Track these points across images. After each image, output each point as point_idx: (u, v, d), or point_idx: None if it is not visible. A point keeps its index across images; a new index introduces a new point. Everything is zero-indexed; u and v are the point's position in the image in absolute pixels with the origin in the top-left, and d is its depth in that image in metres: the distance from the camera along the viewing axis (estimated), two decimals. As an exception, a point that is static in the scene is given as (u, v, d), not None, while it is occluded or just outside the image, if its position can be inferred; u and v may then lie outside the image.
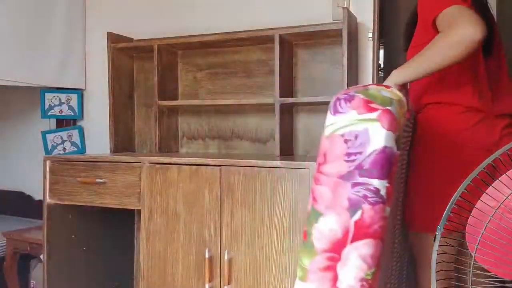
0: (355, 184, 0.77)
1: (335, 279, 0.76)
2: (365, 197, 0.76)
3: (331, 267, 0.77)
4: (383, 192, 0.77)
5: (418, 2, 1.43)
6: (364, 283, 0.76)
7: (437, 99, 1.44)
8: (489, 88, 1.45)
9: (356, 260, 0.76)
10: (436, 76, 1.42)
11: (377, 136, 0.77)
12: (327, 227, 0.77)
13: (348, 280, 0.76)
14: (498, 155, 1.07)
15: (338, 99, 0.82)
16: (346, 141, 0.78)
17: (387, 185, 0.77)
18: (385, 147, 0.76)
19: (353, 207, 0.76)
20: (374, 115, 0.78)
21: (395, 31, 2.92)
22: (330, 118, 0.81)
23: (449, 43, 1.22)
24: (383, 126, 0.77)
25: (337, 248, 0.77)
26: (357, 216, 0.76)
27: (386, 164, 0.77)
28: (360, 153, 0.77)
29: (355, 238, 0.76)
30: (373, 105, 0.79)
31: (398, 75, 1.31)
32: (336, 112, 0.81)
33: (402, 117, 0.83)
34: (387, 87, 0.89)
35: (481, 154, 1.24)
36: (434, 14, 1.31)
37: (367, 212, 0.76)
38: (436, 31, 1.32)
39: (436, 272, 1.14)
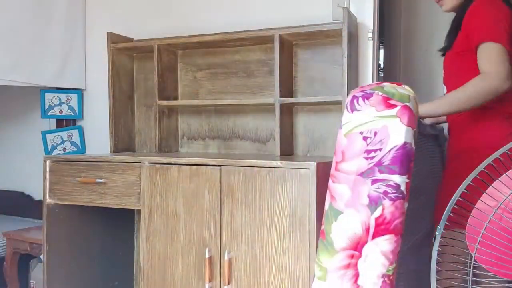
0: (375, 181, 0.77)
1: (356, 276, 0.76)
2: (385, 193, 0.76)
3: (352, 265, 0.76)
4: (403, 187, 0.76)
5: (469, 15, 1.52)
6: (386, 279, 0.76)
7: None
8: None
9: (378, 257, 0.75)
10: None
11: (397, 132, 0.77)
12: (347, 225, 0.77)
13: (371, 277, 0.75)
14: (498, 155, 1.07)
15: (355, 96, 0.81)
16: (365, 139, 0.78)
17: (407, 180, 0.77)
18: (405, 143, 0.77)
19: (374, 203, 0.76)
20: (393, 111, 0.78)
21: (395, 31, 2.92)
22: (347, 116, 0.80)
23: (478, 93, 1.41)
24: (403, 122, 0.77)
25: (357, 246, 0.77)
26: (377, 212, 0.76)
27: (406, 160, 0.77)
28: (380, 149, 0.77)
29: (376, 235, 0.76)
30: (392, 102, 0.79)
31: (427, 110, 1.47)
32: (353, 109, 0.80)
33: (417, 114, 0.83)
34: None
35: None
36: (480, 40, 1.45)
37: (388, 208, 0.76)
38: (474, 53, 1.47)
39: (436, 272, 1.14)
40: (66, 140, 2.69)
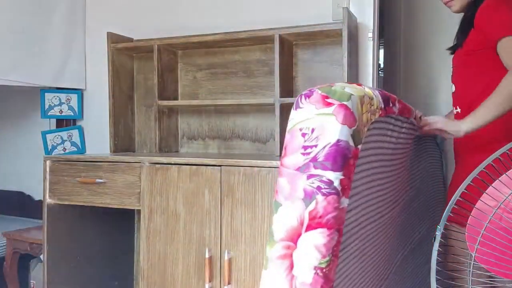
0: (310, 176, 0.79)
1: (291, 266, 0.79)
2: (318, 188, 0.78)
3: (288, 255, 0.79)
4: (336, 184, 0.79)
5: (483, 12, 1.49)
6: (318, 271, 0.78)
7: None
8: None
9: (310, 249, 0.78)
10: (490, 82, 1.48)
11: (331, 130, 0.79)
12: (285, 217, 0.80)
13: (303, 268, 0.78)
14: (498, 155, 1.07)
15: (301, 95, 0.86)
16: (303, 135, 0.81)
17: (342, 177, 0.79)
18: (339, 140, 0.79)
19: (308, 197, 0.79)
20: (330, 109, 0.80)
21: (395, 31, 2.91)
22: (292, 113, 0.85)
23: None
24: (338, 120, 0.80)
25: (293, 237, 0.79)
26: (311, 206, 0.78)
27: (340, 157, 0.79)
28: (315, 146, 0.80)
29: (309, 228, 0.78)
30: (329, 100, 0.82)
31: (469, 125, 1.41)
32: (297, 107, 0.84)
33: (366, 113, 0.85)
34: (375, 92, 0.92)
35: None
36: (500, 35, 1.41)
37: (321, 203, 0.78)
38: (495, 50, 1.44)
39: (436, 272, 1.14)
40: (66, 140, 2.69)
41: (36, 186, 2.80)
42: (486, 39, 1.48)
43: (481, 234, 1.06)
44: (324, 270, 0.78)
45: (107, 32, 2.36)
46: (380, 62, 3.01)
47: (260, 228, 1.59)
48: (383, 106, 0.94)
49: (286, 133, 0.85)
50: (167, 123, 2.31)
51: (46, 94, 2.64)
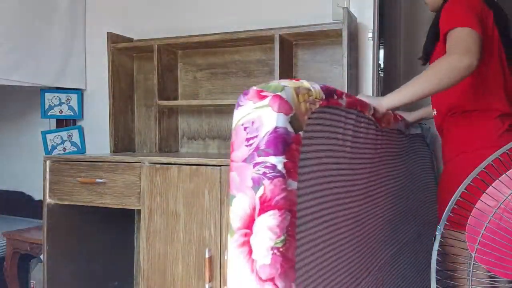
0: (256, 164, 0.86)
1: (250, 252, 0.84)
2: (264, 174, 0.85)
3: (246, 242, 0.85)
4: (280, 167, 0.85)
5: (442, 14, 1.48)
6: (276, 251, 0.83)
7: (473, 106, 1.47)
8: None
9: (264, 231, 0.84)
10: (469, 84, 1.46)
11: (269, 119, 0.86)
12: (239, 207, 0.86)
13: (260, 250, 0.83)
14: (498, 155, 1.07)
15: (240, 95, 0.93)
16: (245, 129, 0.89)
17: (285, 160, 0.86)
18: (276, 127, 0.85)
19: (256, 184, 0.85)
20: (265, 101, 0.88)
21: (395, 31, 2.91)
22: (234, 113, 0.92)
23: (447, 69, 1.30)
24: (273, 109, 0.86)
25: (248, 224, 0.85)
26: (260, 192, 0.84)
27: (280, 142, 0.85)
28: (256, 136, 0.87)
29: (261, 212, 0.84)
30: (264, 93, 0.89)
31: (390, 102, 1.35)
32: (238, 106, 0.92)
33: (304, 103, 0.92)
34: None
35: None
36: (448, 28, 1.40)
37: (268, 186, 0.84)
38: (445, 43, 1.39)
39: (436, 272, 1.14)
40: (66, 140, 2.69)
41: (36, 186, 2.80)
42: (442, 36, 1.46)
43: (481, 234, 1.06)
44: (280, 249, 0.83)
45: (107, 32, 2.36)
46: (380, 62, 3.02)
47: (260, 228, 1.58)
48: (324, 97, 1.01)
49: (232, 132, 0.91)
50: (167, 123, 2.31)
51: (46, 94, 2.64)
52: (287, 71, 2.08)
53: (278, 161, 0.85)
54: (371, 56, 2.04)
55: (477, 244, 1.07)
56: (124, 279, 2.41)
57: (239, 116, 0.91)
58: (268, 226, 0.83)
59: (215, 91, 2.31)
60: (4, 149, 3.20)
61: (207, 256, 1.65)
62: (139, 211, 1.84)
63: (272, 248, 0.83)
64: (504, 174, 1.06)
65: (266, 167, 0.85)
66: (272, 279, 0.82)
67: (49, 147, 2.66)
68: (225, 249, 1.64)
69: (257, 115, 0.88)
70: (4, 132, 3.20)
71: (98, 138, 2.66)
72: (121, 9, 2.60)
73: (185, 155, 1.99)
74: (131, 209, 2.30)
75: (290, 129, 0.88)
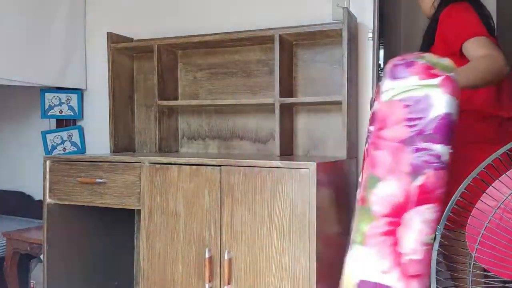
0: (418, 150, 0.76)
1: (395, 243, 0.76)
2: (428, 162, 0.76)
3: (391, 232, 0.76)
4: (445, 158, 0.77)
5: (442, 25, 1.58)
6: (426, 247, 0.76)
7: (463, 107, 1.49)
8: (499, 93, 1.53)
9: (419, 225, 0.76)
10: None
11: (440, 102, 0.76)
12: (387, 192, 0.77)
13: (411, 244, 0.75)
14: (498, 155, 1.07)
15: (396, 65, 0.82)
16: (406, 106, 0.78)
17: (450, 151, 0.77)
18: (447, 113, 0.77)
19: (416, 172, 0.76)
20: (436, 81, 0.77)
21: (395, 31, 2.92)
22: (388, 83, 0.81)
23: (492, 68, 1.34)
24: (446, 92, 0.77)
25: (397, 213, 0.76)
26: (419, 181, 0.76)
27: (448, 130, 0.77)
28: (421, 118, 0.77)
29: (418, 203, 0.76)
30: (434, 71, 0.79)
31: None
32: (394, 77, 0.81)
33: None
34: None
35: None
36: (463, 39, 1.47)
37: (430, 177, 0.76)
38: (461, 54, 1.46)
39: (436, 272, 1.14)
40: (66, 140, 2.69)
41: (36, 186, 2.80)
42: (449, 46, 1.53)
43: (481, 234, 1.06)
44: (429, 246, 0.77)
45: (107, 32, 2.36)
46: (380, 62, 3.02)
47: (260, 228, 1.59)
48: None
49: (382, 104, 0.81)
50: (167, 123, 2.31)
51: (46, 94, 2.64)
52: (287, 71, 2.08)
53: (444, 151, 0.77)
54: (371, 56, 2.04)
55: (477, 244, 1.07)
56: (124, 279, 2.41)
57: (397, 89, 0.80)
58: (423, 219, 0.76)
59: (215, 91, 2.31)
60: (4, 149, 3.20)
61: (207, 256, 1.65)
62: (139, 211, 1.84)
63: (424, 244, 0.75)
64: (504, 174, 1.06)
65: (430, 155, 0.76)
66: (419, 276, 0.74)
67: (49, 147, 2.66)
68: (225, 249, 1.64)
69: (424, 94, 0.77)
70: (4, 132, 3.20)
71: (98, 138, 2.66)
72: (121, 9, 2.60)
73: (185, 155, 2.00)
74: (131, 209, 2.30)
75: (455, 116, 0.79)
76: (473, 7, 1.56)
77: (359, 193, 0.85)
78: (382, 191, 0.77)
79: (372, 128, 1.38)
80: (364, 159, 1.01)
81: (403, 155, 0.77)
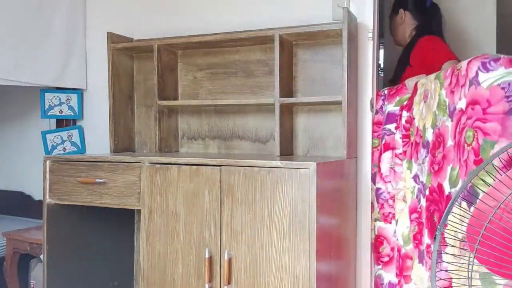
0: None
1: None
2: None
3: None
4: None
5: (421, 49, 2.15)
6: None
7: None
8: None
9: None
10: None
11: None
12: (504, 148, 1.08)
13: None
14: (498, 155, 1.07)
15: (484, 62, 1.21)
16: (502, 88, 1.17)
17: None
18: None
19: None
20: None
21: (395, 31, 2.90)
22: (483, 75, 1.19)
23: None
24: None
25: None
26: None
27: None
28: None
29: None
30: None
31: None
32: (488, 70, 1.19)
33: None
34: None
35: None
36: (443, 61, 2.00)
37: None
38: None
39: (436, 272, 1.14)
40: (66, 140, 2.69)
41: (36, 186, 2.80)
42: (427, 65, 2.01)
43: (481, 234, 1.06)
44: None
45: (107, 32, 2.36)
46: (380, 62, 3.01)
47: (260, 228, 1.59)
48: None
49: (483, 90, 1.20)
50: (167, 123, 2.31)
51: (46, 94, 2.64)
52: (287, 71, 2.08)
53: None
54: (371, 56, 2.04)
55: (477, 244, 1.07)
56: (124, 279, 2.41)
57: (493, 78, 1.17)
58: None
59: (215, 91, 2.31)
60: (4, 149, 3.20)
61: (207, 256, 1.65)
62: (139, 211, 1.84)
63: None
64: (504, 174, 1.06)
65: None
66: None
67: (49, 147, 2.66)
68: (225, 249, 1.64)
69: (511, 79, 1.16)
70: (5, 132, 3.20)
71: (98, 138, 2.66)
72: (121, 9, 2.60)
73: (185, 155, 2.00)
74: (131, 209, 2.30)
75: None
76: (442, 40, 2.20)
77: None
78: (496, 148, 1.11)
79: (388, 126, 1.91)
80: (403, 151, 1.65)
81: (508, 123, 1.11)
